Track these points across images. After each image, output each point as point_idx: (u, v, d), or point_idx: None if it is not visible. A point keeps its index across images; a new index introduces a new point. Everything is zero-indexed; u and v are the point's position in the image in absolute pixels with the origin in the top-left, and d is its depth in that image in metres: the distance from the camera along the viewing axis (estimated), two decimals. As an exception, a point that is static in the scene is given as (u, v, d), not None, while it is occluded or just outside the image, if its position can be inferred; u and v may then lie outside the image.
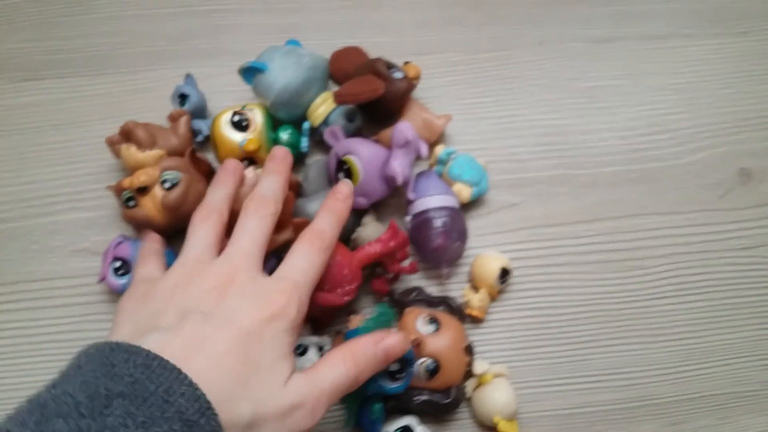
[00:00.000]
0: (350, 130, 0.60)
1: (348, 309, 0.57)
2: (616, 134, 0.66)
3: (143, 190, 0.55)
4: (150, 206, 0.55)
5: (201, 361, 0.38)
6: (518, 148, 0.65)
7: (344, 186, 0.53)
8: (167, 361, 0.36)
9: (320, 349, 0.54)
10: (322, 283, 0.51)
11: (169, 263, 0.55)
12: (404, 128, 0.54)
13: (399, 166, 0.54)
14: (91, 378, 0.35)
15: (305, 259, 0.47)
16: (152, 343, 0.37)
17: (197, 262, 0.45)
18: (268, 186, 0.50)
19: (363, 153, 0.56)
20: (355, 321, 0.52)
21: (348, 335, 0.48)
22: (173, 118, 0.59)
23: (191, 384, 0.35)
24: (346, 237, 0.58)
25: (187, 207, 0.56)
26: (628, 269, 0.61)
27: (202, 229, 0.48)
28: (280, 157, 0.53)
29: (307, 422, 0.41)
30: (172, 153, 0.57)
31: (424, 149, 0.56)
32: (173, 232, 0.58)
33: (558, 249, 0.62)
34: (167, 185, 0.55)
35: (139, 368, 0.35)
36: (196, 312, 0.41)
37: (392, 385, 0.49)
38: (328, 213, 0.50)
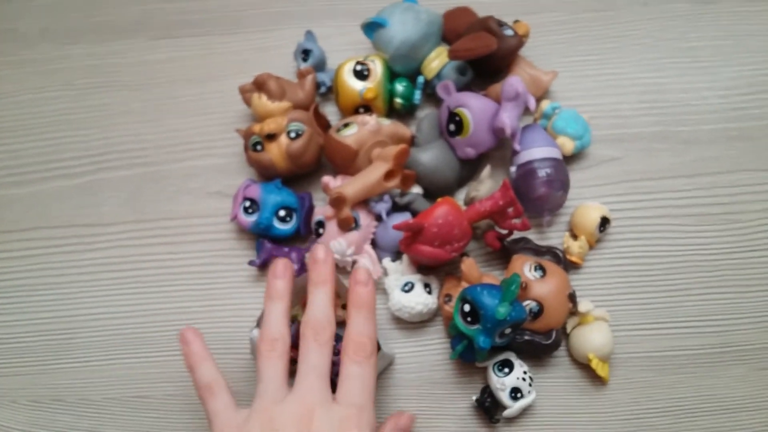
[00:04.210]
0: (461, 83, 0.64)
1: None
2: (716, 93, 0.68)
3: (271, 137, 0.61)
4: (275, 152, 0.61)
5: None
6: (621, 104, 0.68)
7: (361, 272, 0.51)
8: None
9: (426, 286, 0.59)
10: (433, 239, 0.55)
11: (273, 193, 0.61)
12: (514, 82, 0.58)
13: (508, 118, 0.58)
14: None
15: (358, 378, 0.47)
16: None
17: (274, 404, 0.46)
18: (319, 306, 0.49)
19: (474, 106, 0.59)
20: (467, 263, 0.56)
21: (469, 292, 0.53)
22: (302, 75, 0.64)
23: None
24: (459, 186, 0.63)
25: (307, 157, 0.61)
26: (725, 222, 0.63)
27: (271, 366, 0.48)
28: (322, 260, 0.51)
29: None
30: (298, 106, 0.63)
31: (531, 102, 0.59)
32: (290, 178, 0.63)
33: (657, 202, 0.64)
34: (292, 135, 0.61)
35: None
36: None
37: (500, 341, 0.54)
38: (358, 313, 0.49)
